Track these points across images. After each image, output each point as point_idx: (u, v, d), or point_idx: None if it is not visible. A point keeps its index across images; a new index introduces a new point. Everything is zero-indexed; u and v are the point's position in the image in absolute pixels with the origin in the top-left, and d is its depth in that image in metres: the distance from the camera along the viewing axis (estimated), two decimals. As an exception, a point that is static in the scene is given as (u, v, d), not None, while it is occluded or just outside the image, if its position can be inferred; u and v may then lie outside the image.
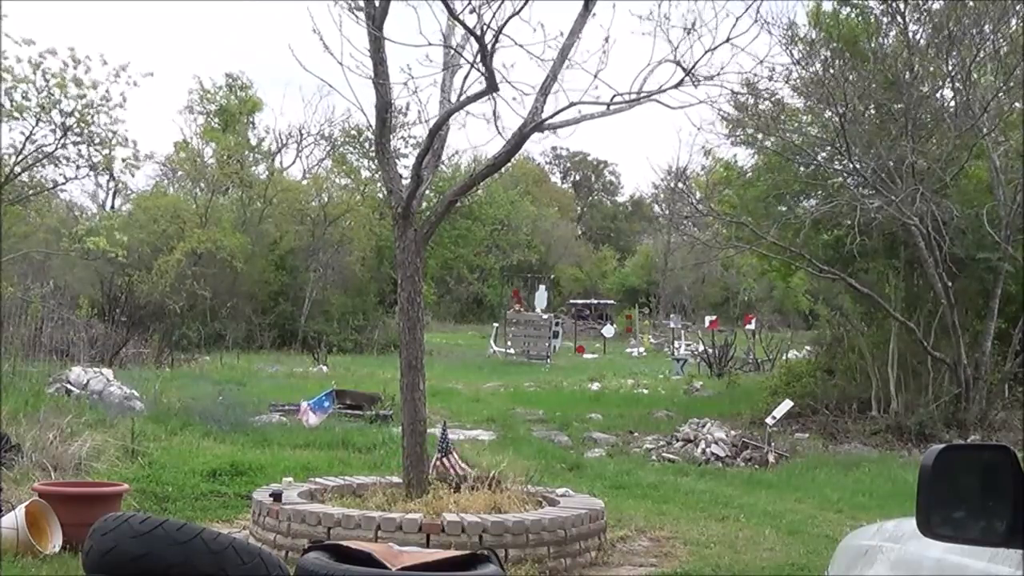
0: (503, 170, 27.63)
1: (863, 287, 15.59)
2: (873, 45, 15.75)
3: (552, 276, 47.02)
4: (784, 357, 24.76)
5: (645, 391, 21.64)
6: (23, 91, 17.63)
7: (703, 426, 14.76)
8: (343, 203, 36.85)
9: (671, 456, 13.69)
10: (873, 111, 15.79)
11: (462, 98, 7.93)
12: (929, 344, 14.89)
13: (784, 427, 15.06)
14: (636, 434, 15.36)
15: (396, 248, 8.37)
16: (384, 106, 8.06)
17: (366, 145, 37.28)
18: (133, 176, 42.12)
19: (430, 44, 7.65)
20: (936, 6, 15.60)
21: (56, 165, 19.21)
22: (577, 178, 74.02)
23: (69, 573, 6.45)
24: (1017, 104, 14.94)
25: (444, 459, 8.43)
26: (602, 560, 7.68)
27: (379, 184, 34.09)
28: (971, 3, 14.57)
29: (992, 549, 2.26)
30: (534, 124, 7.87)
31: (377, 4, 7.69)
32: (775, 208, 17.37)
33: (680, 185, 24.18)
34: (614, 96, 7.84)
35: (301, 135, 40.72)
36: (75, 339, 18.15)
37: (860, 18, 16.17)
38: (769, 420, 13.96)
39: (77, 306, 20.72)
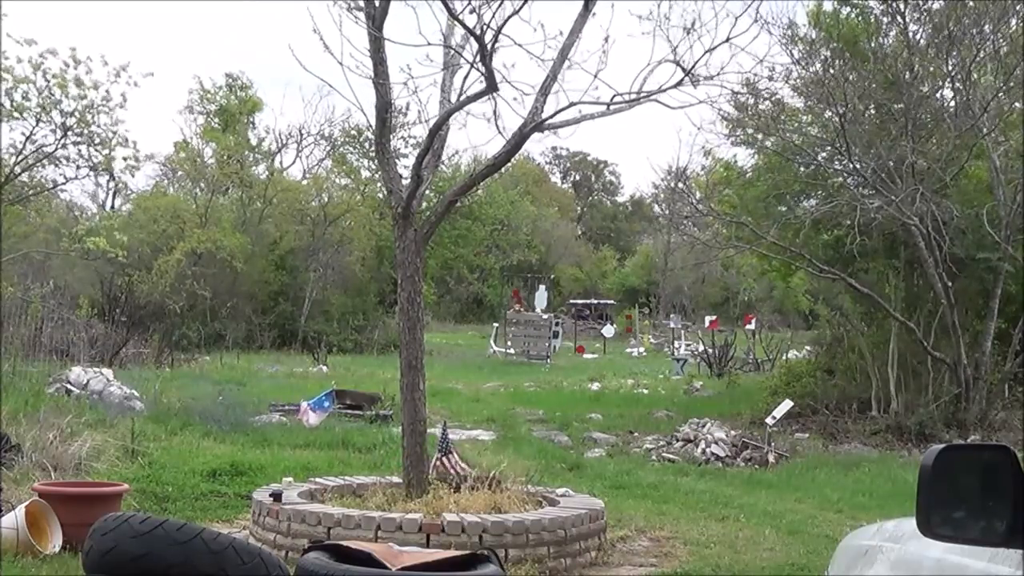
0: (503, 170, 27.63)
1: (863, 287, 15.58)
2: (873, 45, 15.75)
3: (552, 276, 47.02)
4: (784, 357, 24.76)
5: (645, 391, 21.64)
6: (23, 91, 17.63)
7: (703, 426, 14.76)
8: (343, 203, 36.85)
9: (671, 456, 13.69)
10: (873, 111, 15.79)
11: (462, 98, 7.93)
12: (929, 344, 14.89)
13: (784, 427, 15.05)
14: (636, 434, 15.36)
15: (396, 248, 8.37)
16: (384, 106, 8.07)
17: (366, 145, 37.28)
18: (133, 176, 42.13)
19: (430, 44, 7.66)
20: (936, 6, 15.61)
21: (56, 165, 19.23)
22: (577, 178, 74.02)
23: (69, 573, 6.45)
24: (1017, 104, 14.94)
25: (444, 459, 8.43)
26: (602, 560, 7.68)
27: (379, 184, 34.09)
28: (971, 3, 14.57)
29: (992, 549, 2.26)
30: (534, 124, 7.87)
31: (377, 4, 7.69)
32: (775, 208, 17.37)
33: (680, 185, 24.18)
34: (614, 96, 7.85)
35: (301, 135, 40.80)
36: (75, 339, 18.15)
37: (860, 18, 16.17)
38: (769, 420, 13.96)
39: (77, 306, 20.72)
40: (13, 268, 20.36)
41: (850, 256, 15.33)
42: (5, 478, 8.13)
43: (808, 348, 23.06)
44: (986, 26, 14.34)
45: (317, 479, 8.91)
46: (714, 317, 34.17)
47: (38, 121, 17.94)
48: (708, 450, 13.80)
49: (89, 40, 69.97)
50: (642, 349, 36.38)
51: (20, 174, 19.28)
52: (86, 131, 18.21)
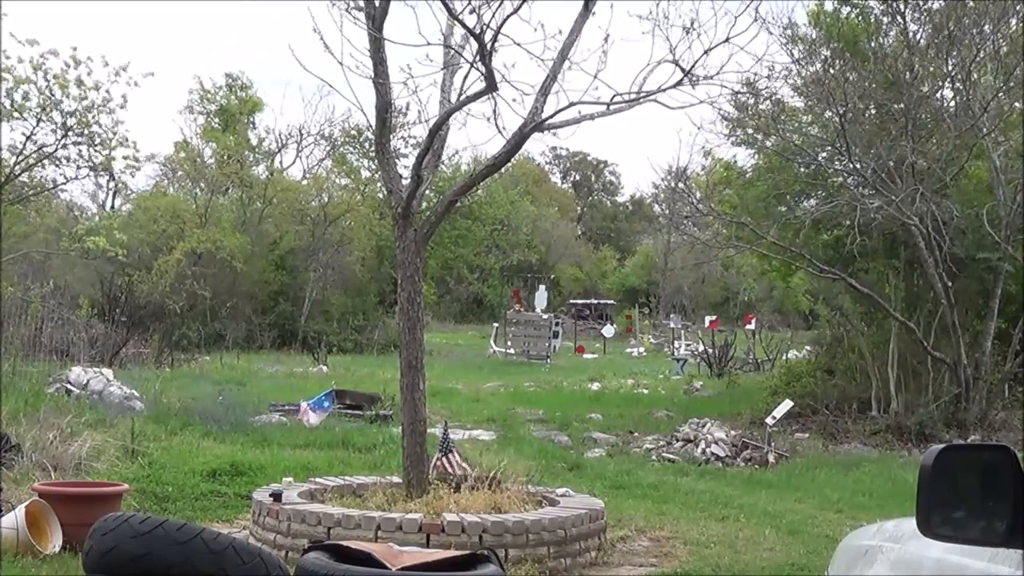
0: (503, 170, 27.64)
1: (863, 287, 15.59)
2: (873, 45, 15.75)
3: (552, 276, 47.02)
4: (784, 357, 24.76)
5: (645, 391, 21.64)
6: (24, 91, 17.63)
7: (703, 426, 14.76)
8: (343, 203, 36.85)
9: (671, 456, 13.69)
10: (873, 111, 15.79)
11: (462, 98, 7.93)
12: (929, 344, 14.89)
13: (784, 427, 15.06)
14: (636, 434, 15.36)
15: (396, 248, 8.37)
16: (384, 106, 8.07)
17: (366, 145, 37.29)
18: (133, 176, 42.14)
19: (430, 44, 7.65)
20: (936, 6, 15.62)
21: (57, 165, 19.22)
22: (577, 178, 74.01)
23: (69, 573, 6.45)
24: (1017, 104, 14.94)
25: (445, 458, 8.43)
26: (602, 560, 7.68)
27: (379, 184, 34.09)
28: (971, 3, 14.57)
29: (992, 549, 2.26)
30: (534, 124, 7.87)
31: (377, 4, 7.69)
32: (775, 208, 17.37)
33: (680, 185, 24.17)
34: (614, 96, 7.85)
35: (301, 135, 40.80)
36: (75, 339, 18.15)
37: (860, 18, 16.17)
38: (769, 420, 13.96)
39: (77, 306, 20.72)
40: (13, 268, 20.36)
41: (850, 256, 15.34)
42: (5, 478, 8.13)
43: (808, 348, 23.06)
44: (986, 26, 14.34)
45: (317, 479, 8.91)
46: (714, 317, 34.17)
47: (39, 121, 17.94)
48: (708, 450, 13.80)
49: (89, 40, 69.96)
50: (642, 349, 36.38)
51: (20, 174, 19.27)
52: (86, 131, 18.21)
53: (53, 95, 17.77)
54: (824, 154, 16.20)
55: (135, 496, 8.34)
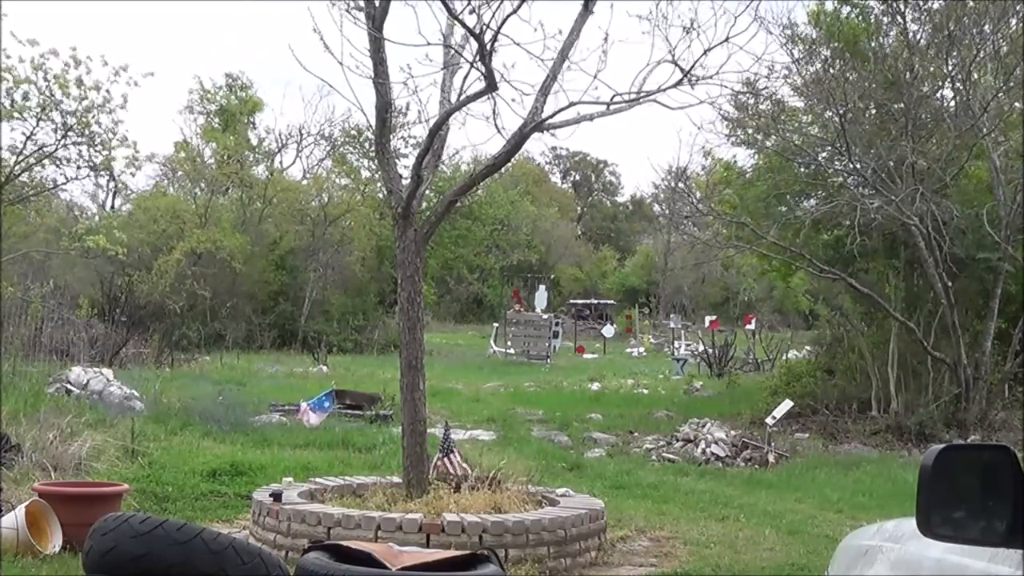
0: (503, 170, 27.64)
1: (863, 287, 15.59)
2: (873, 45, 15.75)
3: (552, 276, 47.02)
4: (784, 357, 24.76)
5: (645, 391, 21.63)
6: (24, 91, 17.63)
7: (703, 426, 14.76)
8: (343, 203, 36.84)
9: (671, 456, 13.69)
10: (873, 111, 15.79)
11: (462, 98, 7.93)
12: (929, 344, 14.89)
13: (784, 427, 15.05)
14: (636, 434, 15.36)
15: (396, 248, 8.37)
16: (384, 106, 8.07)
17: (366, 145, 37.28)
18: (134, 176, 42.14)
19: (430, 44, 7.66)
20: (936, 6, 15.62)
21: (57, 165, 19.22)
22: (577, 178, 74.00)
23: (69, 573, 6.45)
24: (1017, 104, 14.94)
25: (446, 458, 8.42)
26: (602, 560, 7.68)
27: (379, 184, 34.08)
28: (971, 3, 14.57)
29: (992, 549, 2.26)
30: (534, 124, 7.87)
31: (377, 4, 7.69)
32: (775, 208, 17.36)
33: (680, 185, 24.15)
34: (614, 96, 7.86)
35: (301, 135, 40.79)
36: (75, 339, 18.15)
37: (860, 18, 16.17)
38: (769, 420, 13.96)
39: (77, 306, 20.72)
40: (13, 268, 20.36)
41: (850, 256, 15.34)
42: (5, 478, 8.13)
43: (808, 348, 23.06)
44: (986, 26, 14.34)
45: (317, 479, 8.91)
46: (714, 317, 34.17)
47: (38, 121, 17.94)
48: (708, 450, 13.80)
49: (89, 40, 69.99)
50: (642, 349, 36.38)
51: (20, 174, 19.27)
52: (87, 131, 18.21)
53: (53, 95, 17.77)
54: (824, 154, 16.20)
55: (135, 496, 8.34)
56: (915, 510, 2.31)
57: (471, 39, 7.42)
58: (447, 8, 7.42)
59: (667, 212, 49.68)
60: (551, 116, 7.89)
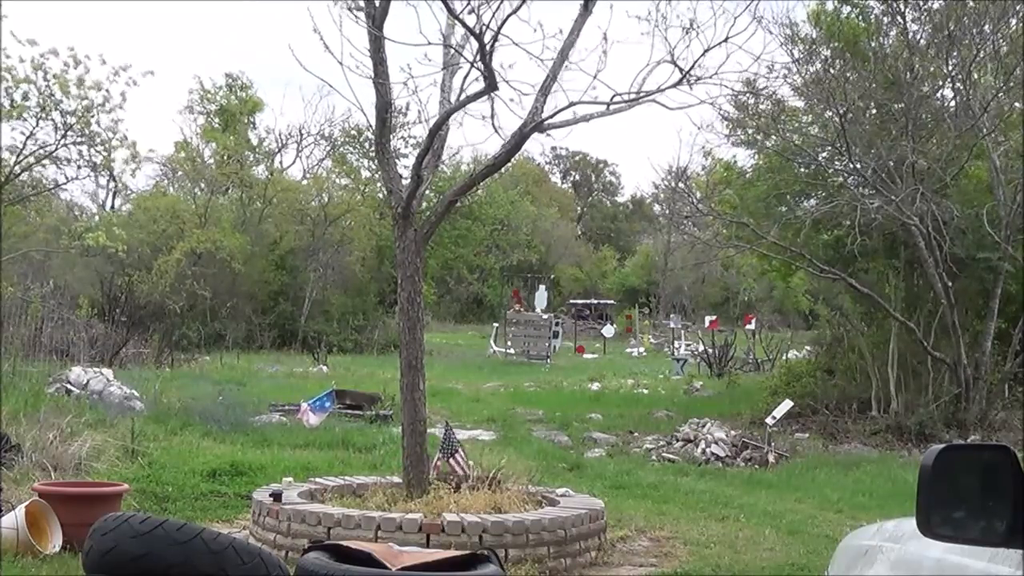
0: (503, 170, 27.65)
1: (863, 287, 15.58)
2: (873, 45, 15.75)
3: (552, 276, 47.02)
4: (784, 357, 24.76)
5: (645, 391, 21.63)
6: (24, 91, 17.62)
7: (703, 426, 14.76)
8: (343, 203, 36.85)
9: (671, 456, 13.69)
10: (873, 111, 15.79)
11: (462, 98, 7.93)
12: (929, 344, 14.89)
13: (784, 427, 15.05)
14: (636, 434, 15.36)
15: (396, 248, 8.37)
16: (384, 106, 8.07)
17: (366, 145, 37.28)
18: (134, 176, 42.12)
19: (430, 44, 7.66)
20: (936, 6, 15.62)
21: (57, 166, 19.22)
22: (577, 178, 74.01)
23: (69, 573, 6.45)
24: (1017, 104, 14.94)
25: (452, 459, 8.41)
26: (602, 560, 7.68)
27: (379, 184, 34.09)
28: (971, 3, 14.57)
29: (992, 549, 2.26)
30: (534, 124, 7.87)
31: (377, 4, 7.69)
32: (775, 208, 17.37)
33: (680, 185, 24.15)
34: (613, 96, 7.85)
35: (301, 135, 40.79)
36: (75, 339, 18.15)
37: (860, 18, 16.17)
38: (769, 420, 13.96)
39: (77, 306, 20.72)
40: (13, 268, 20.36)
41: (850, 256, 15.34)
42: (5, 478, 8.13)
43: (808, 348, 23.06)
44: (986, 26, 14.33)
45: (317, 479, 8.91)
46: (714, 317, 34.16)
47: (38, 121, 17.94)
48: (708, 450, 13.80)
49: (89, 40, 70.01)
50: (642, 349, 36.38)
51: (20, 174, 19.27)
52: (86, 131, 18.21)
53: (53, 95, 17.76)
54: (824, 154, 16.20)
55: (135, 496, 8.34)
56: (915, 510, 2.31)
57: (471, 39, 7.42)
58: (447, 8, 7.42)
59: (667, 212, 49.72)
60: (551, 116, 7.90)
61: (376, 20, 7.69)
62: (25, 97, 17.68)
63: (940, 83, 15.53)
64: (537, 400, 19.21)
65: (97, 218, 32.43)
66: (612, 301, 49.05)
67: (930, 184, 14.35)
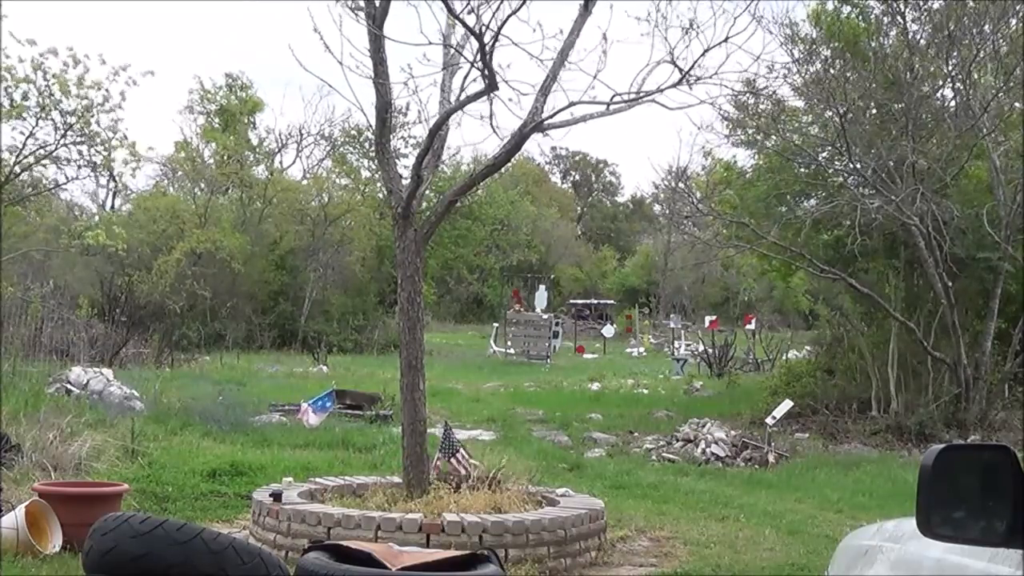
0: (503, 170, 27.65)
1: (863, 287, 15.58)
2: (873, 45, 15.75)
3: (552, 276, 47.01)
4: (784, 357, 24.76)
5: (645, 391, 21.63)
6: (24, 91, 17.61)
7: (703, 426, 14.76)
8: (343, 203, 36.85)
9: (671, 456, 13.68)
10: (873, 111, 15.79)
11: (462, 98, 7.93)
12: (929, 344, 14.89)
13: (784, 427, 15.05)
14: (636, 434, 15.36)
15: (396, 248, 8.37)
16: (384, 106, 8.07)
17: (366, 145, 37.29)
18: (134, 176, 42.11)
19: (430, 43, 7.66)
20: (936, 6, 15.62)
21: (57, 166, 19.20)
22: (577, 178, 74.00)
23: (69, 573, 6.45)
24: (1017, 104, 14.94)
25: (453, 458, 8.40)
26: (602, 560, 7.68)
27: (379, 184, 34.09)
28: (971, 3, 14.57)
29: (992, 549, 2.26)
30: (534, 124, 7.87)
31: (377, 4, 7.69)
32: (775, 208, 17.36)
33: (680, 185, 24.14)
34: (613, 96, 7.85)
35: (301, 135, 40.80)
36: (75, 339, 18.15)
37: (860, 18, 16.17)
38: (769, 420, 13.96)
39: (77, 306, 20.72)
40: (13, 268, 20.36)
41: (850, 256, 15.34)
42: (5, 478, 8.13)
43: (808, 348, 23.06)
44: (986, 26, 14.33)
45: (317, 479, 8.91)
46: (714, 317, 34.16)
47: (38, 121, 17.93)
48: (708, 450, 13.80)
49: (89, 40, 70.00)
50: (642, 349, 36.38)
51: (20, 174, 19.26)
52: (86, 130, 18.20)
53: (52, 95, 17.75)
54: (824, 154, 16.20)
55: (135, 496, 8.34)
56: (915, 510, 2.31)
57: (471, 39, 7.42)
58: (447, 8, 7.42)
59: (667, 212, 49.70)
60: (550, 116, 7.89)
61: (376, 20, 7.69)
62: (25, 97, 17.66)
63: (940, 83, 15.53)
64: (537, 400, 19.21)
65: (97, 218, 32.42)
66: (612, 301, 49.05)
67: (930, 184, 14.35)
